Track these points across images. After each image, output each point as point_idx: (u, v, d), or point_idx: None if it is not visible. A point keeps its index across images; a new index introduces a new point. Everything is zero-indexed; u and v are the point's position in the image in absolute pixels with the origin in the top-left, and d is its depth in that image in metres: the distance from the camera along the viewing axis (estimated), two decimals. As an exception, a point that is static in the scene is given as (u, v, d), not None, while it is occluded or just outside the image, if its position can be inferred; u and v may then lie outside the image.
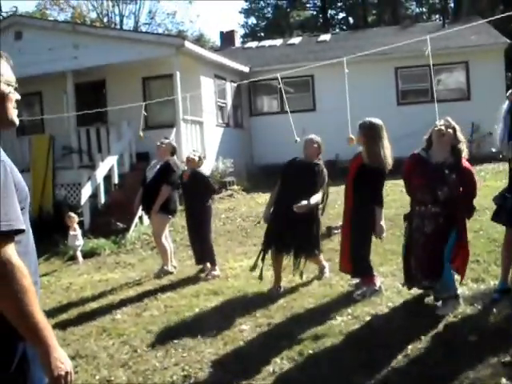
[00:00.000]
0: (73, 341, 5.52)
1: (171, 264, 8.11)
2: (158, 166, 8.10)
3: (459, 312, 5.07)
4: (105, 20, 38.52)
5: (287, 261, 6.56)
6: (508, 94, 5.26)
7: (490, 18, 9.88)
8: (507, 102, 5.20)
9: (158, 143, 8.28)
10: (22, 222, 1.96)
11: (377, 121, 5.87)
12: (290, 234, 6.27)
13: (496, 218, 5.36)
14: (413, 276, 5.29)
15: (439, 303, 5.22)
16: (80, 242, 10.05)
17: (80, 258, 9.89)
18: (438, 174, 5.02)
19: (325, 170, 6.50)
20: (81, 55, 14.07)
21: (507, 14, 5.80)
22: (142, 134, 8.53)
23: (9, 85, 2.13)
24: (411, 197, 5.35)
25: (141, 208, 9.35)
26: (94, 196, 12.35)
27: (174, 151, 8.31)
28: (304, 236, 6.37)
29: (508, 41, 17.15)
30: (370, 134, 5.77)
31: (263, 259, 6.44)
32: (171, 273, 7.96)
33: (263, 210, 6.86)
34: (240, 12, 49.26)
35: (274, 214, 6.49)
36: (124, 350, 5.15)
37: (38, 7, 39.21)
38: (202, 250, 7.79)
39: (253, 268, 6.54)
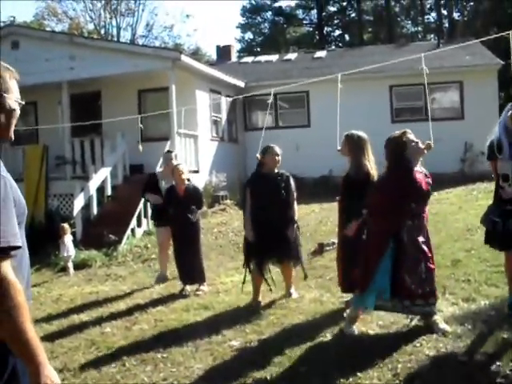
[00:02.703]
0: (61, 353, 5.49)
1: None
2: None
3: (450, 331, 5.06)
4: (102, 32, 38.67)
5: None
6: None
7: (483, 38, 9.97)
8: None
9: (168, 158, 8.56)
10: (19, 238, 1.99)
11: (363, 133, 5.97)
12: (272, 244, 6.40)
13: (489, 242, 5.38)
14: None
15: (442, 325, 5.17)
16: (72, 253, 10.02)
17: (71, 270, 9.85)
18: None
19: (291, 178, 6.66)
20: (77, 66, 14.12)
21: (500, 34, 5.85)
22: (140, 147, 8.60)
23: (17, 102, 2.17)
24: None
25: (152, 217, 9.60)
26: (87, 207, 12.33)
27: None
28: (286, 244, 6.49)
29: (501, 62, 17.31)
30: (356, 145, 5.88)
31: (250, 272, 6.61)
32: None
33: (246, 230, 6.83)
34: (237, 27, 49.47)
35: (255, 229, 6.55)
36: (112, 363, 5.11)
37: (35, 17, 39.41)
38: (193, 267, 7.58)
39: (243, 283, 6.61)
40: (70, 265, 9.92)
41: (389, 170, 5.16)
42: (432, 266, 5.15)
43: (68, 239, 10.01)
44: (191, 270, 7.58)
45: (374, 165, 5.91)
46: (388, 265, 5.03)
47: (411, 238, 5.03)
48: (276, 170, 6.67)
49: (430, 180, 5.18)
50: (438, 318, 5.22)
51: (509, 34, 5.31)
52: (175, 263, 7.85)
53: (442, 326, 5.13)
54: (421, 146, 5.14)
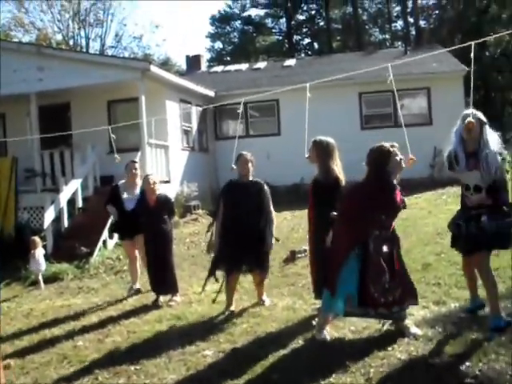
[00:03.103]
0: (32, 369, 5.41)
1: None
2: (139, 192, 8.08)
3: (421, 335, 5.12)
4: (71, 42, 38.34)
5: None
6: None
7: (449, 49, 10.15)
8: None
9: (132, 168, 8.39)
10: None
11: (330, 139, 6.05)
12: (244, 254, 6.45)
13: (454, 246, 5.50)
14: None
15: (413, 329, 5.24)
16: (43, 266, 9.89)
17: (41, 284, 9.72)
18: None
19: (266, 186, 6.68)
20: (45, 77, 13.99)
21: (465, 44, 5.97)
22: (118, 157, 8.51)
23: None
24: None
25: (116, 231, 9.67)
26: (58, 220, 12.21)
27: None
28: (257, 253, 6.53)
29: (466, 68, 17.62)
30: (324, 150, 5.95)
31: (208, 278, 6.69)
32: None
33: (212, 239, 6.84)
34: (206, 36, 49.51)
35: (226, 238, 6.54)
36: (85, 377, 5.05)
37: (2, 28, 38.93)
38: (166, 277, 7.54)
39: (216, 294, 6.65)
40: (41, 279, 9.78)
41: (367, 178, 5.20)
42: (397, 276, 5.18)
43: (39, 253, 9.88)
44: (164, 281, 7.54)
45: (341, 170, 5.99)
46: (354, 271, 5.09)
47: (377, 248, 5.09)
48: (250, 178, 6.68)
49: (401, 196, 5.25)
50: (409, 322, 5.30)
51: (471, 44, 5.41)
52: (147, 274, 7.80)
53: (413, 330, 5.21)
54: (403, 163, 5.18)
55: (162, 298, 7.50)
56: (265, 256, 6.62)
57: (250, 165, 6.65)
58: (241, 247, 6.40)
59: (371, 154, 5.19)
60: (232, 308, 6.57)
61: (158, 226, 7.58)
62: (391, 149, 5.13)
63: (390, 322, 5.37)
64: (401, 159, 5.15)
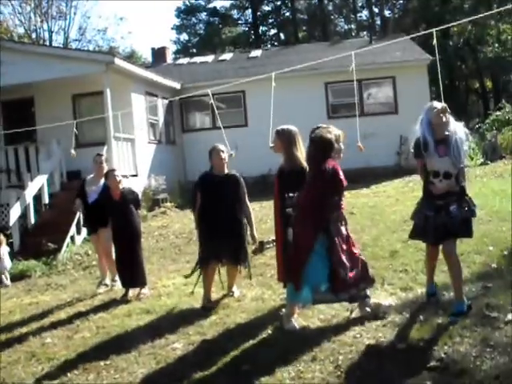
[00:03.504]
0: (-1, 368, 5.36)
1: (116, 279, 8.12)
2: (102, 185, 8.06)
3: (388, 321, 5.20)
4: (33, 36, 37.68)
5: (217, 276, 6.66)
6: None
7: (412, 36, 10.27)
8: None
9: (98, 161, 8.36)
10: None
11: (292, 127, 6.08)
12: (221, 246, 6.40)
13: (418, 237, 5.56)
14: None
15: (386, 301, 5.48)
16: (7, 264, 9.75)
17: (8, 281, 9.59)
18: None
19: (242, 179, 6.68)
20: (7, 72, 13.69)
21: (427, 31, 6.05)
22: (73, 152, 8.42)
23: None
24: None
25: (83, 225, 9.55)
26: (24, 216, 12.05)
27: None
28: (235, 246, 6.52)
29: (430, 57, 17.84)
30: (287, 139, 5.96)
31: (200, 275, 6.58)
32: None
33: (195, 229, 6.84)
34: (172, 28, 49.20)
35: (205, 230, 6.55)
36: (54, 375, 5.01)
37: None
38: (134, 271, 7.49)
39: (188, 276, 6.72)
40: (7, 276, 9.65)
41: (316, 167, 5.30)
42: (356, 252, 5.39)
43: (4, 250, 9.74)
44: (132, 274, 7.49)
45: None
46: (322, 258, 5.16)
47: (336, 228, 5.24)
48: (226, 171, 6.64)
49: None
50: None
51: (433, 31, 5.48)
52: (116, 268, 7.76)
53: (387, 302, 5.49)
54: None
55: (131, 292, 7.46)
56: (242, 248, 6.60)
57: (224, 156, 6.61)
58: (218, 239, 6.38)
59: (316, 143, 5.33)
60: (212, 300, 6.50)
61: (126, 218, 7.55)
62: (333, 137, 5.34)
63: (358, 309, 5.46)
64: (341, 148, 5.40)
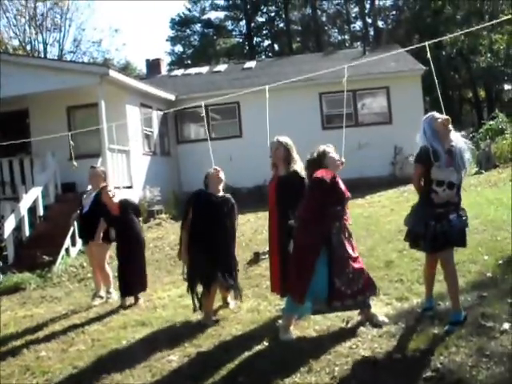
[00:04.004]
0: (-6, 381, 5.33)
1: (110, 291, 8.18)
2: (93, 195, 8.17)
3: (384, 331, 5.19)
4: (28, 48, 37.69)
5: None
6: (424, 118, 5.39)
7: (406, 48, 10.33)
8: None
9: (91, 174, 8.41)
10: None
11: (289, 139, 6.16)
12: (216, 267, 6.32)
13: (417, 246, 5.53)
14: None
15: (380, 317, 5.44)
16: (-2, 277, 9.74)
17: None
18: None
19: (235, 204, 6.63)
20: (1, 84, 13.70)
21: (420, 44, 6.10)
22: (75, 163, 8.42)
23: None
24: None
25: (78, 236, 9.53)
26: (18, 229, 12.01)
27: (105, 177, 8.43)
28: (227, 266, 6.45)
29: (423, 67, 17.93)
30: (289, 150, 6.04)
31: (193, 294, 6.45)
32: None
33: (181, 250, 6.65)
34: (167, 40, 49.32)
35: (196, 249, 6.41)
36: (48, 388, 5.00)
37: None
38: (135, 280, 7.66)
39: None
40: None
41: (312, 176, 5.36)
42: (358, 265, 5.38)
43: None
44: (132, 280, 7.64)
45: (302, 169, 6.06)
46: (324, 268, 5.20)
47: (338, 240, 5.27)
48: (221, 193, 6.60)
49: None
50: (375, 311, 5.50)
51: (426, 44, 5.52)
52: (118, 276, 7.89)
53: (381, 318, 5.43)
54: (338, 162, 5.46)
55: (127, 302, 7.54)
56: (232, 272, 6.53)
57: (220, 178, 6.57)
58: (209, 261, 6.28)
59: (310, 159, 5.49)
60: (213, 318, 6.36)
61: (129, 230, 7.74)
62: (326, 149, 5.46)
63: (354, 320, 5.46)
64: (336, 160, 5.44)
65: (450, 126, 5.21)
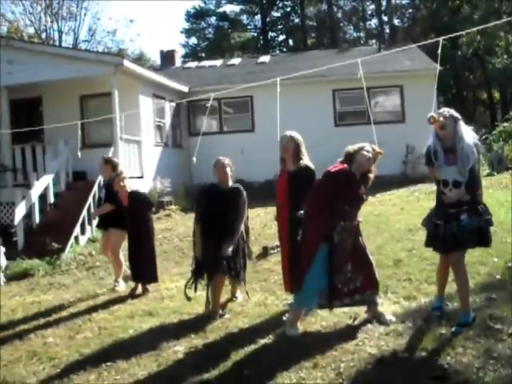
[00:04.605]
0: (0, 366, 5.34)
1: (118, 281, 8.22)
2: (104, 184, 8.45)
3: (391, 329, 5.18)
4: (43, 36, 37.81)
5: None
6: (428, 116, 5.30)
7: (418, 44, 10.25)
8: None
9: (100, 163, 8.57)
10: None
11: (298, 134, 6.15)
12: (218, 260, 6.30)
13: (430, 245, 5.51)
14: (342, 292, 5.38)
15: (387, 315, 5.44)
16: (3, 263, 9.77)
17: (1, 280, 9.61)
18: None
19: (244, 193, 6.56)
20: (16, 71, 13.80)
21: (434, 40, 6.06)
22: (79, 153, 8.46)
23: None
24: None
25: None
26: (29, 215, 12.06)
27: (115, 167, 8.44)
28: (235, 262, 6.44)
29: (439, 67, 17.79)
30: (299, 145, 6.05)
31: (195, 288, 6.50)
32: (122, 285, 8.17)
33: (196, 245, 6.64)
34: (181, 32, 49.31)
35: (206, 243, 6.42)
36: (55, 374, 5.01)
37: (-29, 21, 38.19)
38: (146, 267, 7.77)
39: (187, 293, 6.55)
40: (1, 275, 9.68)
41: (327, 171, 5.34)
42: (362, 263, 5.39)
43: (-1, 249, 9.78)
44: (141, 268, 7.75)
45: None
46: (323, 264, 5.19)
47: (340, 239, 5.25)
48: (230, 184, 6.57)
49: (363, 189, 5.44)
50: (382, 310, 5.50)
51: (440, 39, 5.47)
52: (129, 265, 8.01)
53: (388, 316, 5.41)
54: (368, 161, 5.36)
55: (140, 288, 7.71)
56: (239, 263, 6.51)
57: (228, 170, 6.53)
58: (216, 252, 6.30)
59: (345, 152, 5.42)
60: (220, 312, 6.33)
61: (136, 220, 7.77)
62: (362, 146, 5.37)
63: (361, 317, 5.45)
64: (369, 158, 5.32)
65: (450, 123, 5.07)
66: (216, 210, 6.36)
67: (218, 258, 6.26)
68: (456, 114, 5.19)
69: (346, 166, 5.31)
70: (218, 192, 6.48)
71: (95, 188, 12.20)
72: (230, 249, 6.27)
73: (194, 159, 6.57)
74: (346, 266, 5.28)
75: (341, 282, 5.25)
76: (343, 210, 5.26)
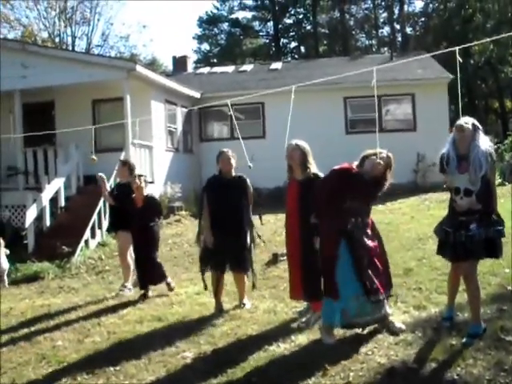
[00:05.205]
0: (9, 369, 5.35)
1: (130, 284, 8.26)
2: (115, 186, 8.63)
3: (401, 339, 5.15)
4: (56, 40, 38.03)
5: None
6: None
7: (433, 53, 10.24)
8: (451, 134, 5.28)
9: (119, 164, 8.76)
10: None
11: (305, 143, 6.19)
12: (225, 250, 6.46)
13: (441, 252, 5.49)
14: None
15: (398, 324, 5.41)
16: (5, 265, 9.82)
17: (6, 283, 9.65)
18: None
19: (249, 181, 6.73)
20: (29, 75, 13.91)
21: (449, 49, 6.01)
22: (94, 157, 8.45)
23: None
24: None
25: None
26: (40, 218, 12.12)
27: (132, 170, 8.49)
28: (236, 252, 6.55)
29: (451, 75, 17.77)
30: (307, 154, 6.06)
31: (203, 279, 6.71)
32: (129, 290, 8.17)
33: (205, 235, 6.74)
34: (193, 38, 49.47)
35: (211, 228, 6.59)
36: (63, 378, 5.01)
37: (-14, 24, 38.49)
38: (154, 270, 7.81)
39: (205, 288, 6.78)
40: (5, 278, 9.73)
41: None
42: (378, 263, 5.38)
43: (1, 252, 9.79)
44: (151, 272, 7.79)
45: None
46: (347, 263, 5.19)
47: (358, 234, 5.28)
48: (233, 174, 6.70)
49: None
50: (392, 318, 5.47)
51: (455, 49, 5.44)
52: (136, 271, 8.03)
53: (398, 325, 5.39)
54: (379, 166, 5.33)
55: (150, 292, 7.75)
56: (244, 253, 6.61)
57: (232, 161, 6.69)
58: (222, 244, 6.43)
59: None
60: (221, 305, 6.55)
61: (144, 225, 7.80)
62: (374, 152, 5.38)
63: (370, 326, 5.42)
64: (378, 163, 5.30)
65: (470, 132, 5.05)
66: (220, 199, 6.52)
67: (221, 251, 6.45)
68: (477, 123, 5.16)
69: (352, 165, 5.36)
70: (223, 182, 6.64)
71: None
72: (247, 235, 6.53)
73: (251, 164, 6.68)
74: (364, 263, 5.24)
75: (365, 278, 5.20)
76: (351, 207, 5.27)
